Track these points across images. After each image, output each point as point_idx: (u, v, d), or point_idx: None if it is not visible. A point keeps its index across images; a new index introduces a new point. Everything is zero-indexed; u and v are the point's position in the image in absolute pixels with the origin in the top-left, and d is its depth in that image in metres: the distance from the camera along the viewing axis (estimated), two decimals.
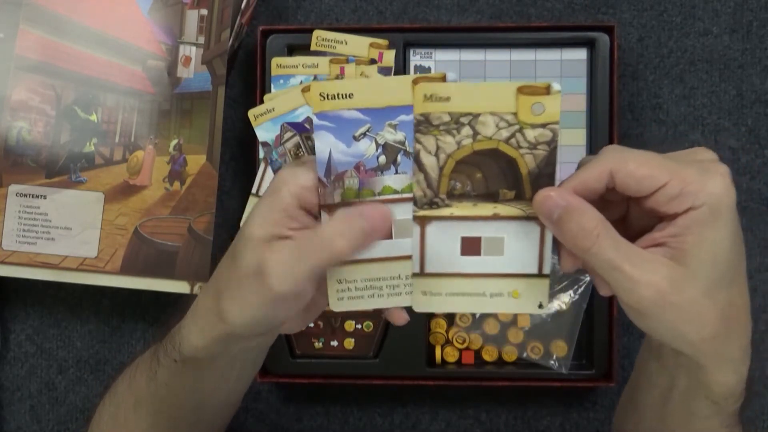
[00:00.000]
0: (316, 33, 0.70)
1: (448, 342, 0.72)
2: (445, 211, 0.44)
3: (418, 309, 0.46)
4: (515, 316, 0.70)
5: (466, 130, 0.43)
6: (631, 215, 0.45)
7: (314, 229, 0.43)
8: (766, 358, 0.73)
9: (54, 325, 0.76)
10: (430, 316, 0.71)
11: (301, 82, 0.69)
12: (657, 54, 0.73)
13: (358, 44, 0.70)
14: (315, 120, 0.43)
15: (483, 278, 0.45)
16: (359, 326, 0.70)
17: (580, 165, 0.44)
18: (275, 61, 0.70)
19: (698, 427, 0.48)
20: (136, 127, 0.70)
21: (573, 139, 0.70)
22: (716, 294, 0.41)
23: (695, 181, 0.40)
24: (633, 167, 0.41)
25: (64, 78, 0.69)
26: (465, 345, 0.71)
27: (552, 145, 0.42)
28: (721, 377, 0.44)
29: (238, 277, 0.44)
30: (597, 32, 0.69)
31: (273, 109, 0.69)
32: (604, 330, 0.70)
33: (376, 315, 0.70)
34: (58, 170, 0.69)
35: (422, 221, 0.45)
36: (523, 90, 0.42)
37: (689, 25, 0.73)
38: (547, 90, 0.42)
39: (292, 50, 0.71)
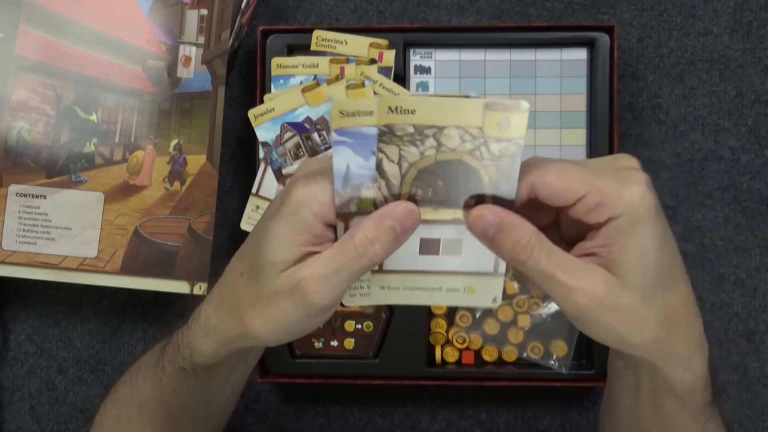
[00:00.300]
0: (316, 33, 0.70)
1: (448, 342, 0.72)
2: None
3: (374, 302, 0.46)
4: (515, 316, 0.70)
5: (430, 142, 0.43)
6: (563, 220, 0.46)
7: (345, 239, 0.43)
8: (766, 358, 0.73)
9: (54, 325, 0.76)
10: (430, 316, 0.71)
11: (301, 82, 0.69)
12: (657, 54, 0.73)
13: (358, 44, 0.70)
14: (334, 136, 0.43)
15: (440, 275, 0.46)
16: (359, 326, 0.70)
17: None
18: (275, 61, 0.70)
19: (669, 423, 0.48)
20: (136, 127, 0.70)
21: (573, 139, 0.70)
22: (652, 298, 0.42)
23: (611, 192, 0.41)
24: (552, 180, 0.42)
25: (64, 78, 0.69)
26: (465, 345, 0.71)
27: (514, 159, 0.43)
28: (675, 374, 0.45)
29: (269, 296, 0.44)
30: (597, 32, 0.69)
31: (273, 109, 0.69)
32: None
33: (377, 315, 0.70)
34: (58, 170, 0.69)
35: None
36: (491, 106, 0.42)
37: (689, 25, 0.73)
38: (515, 108, 0.42)
39: (292, 50, 0.71)
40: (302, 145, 0.69)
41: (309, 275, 0.43)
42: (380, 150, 0.44)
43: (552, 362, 0.70)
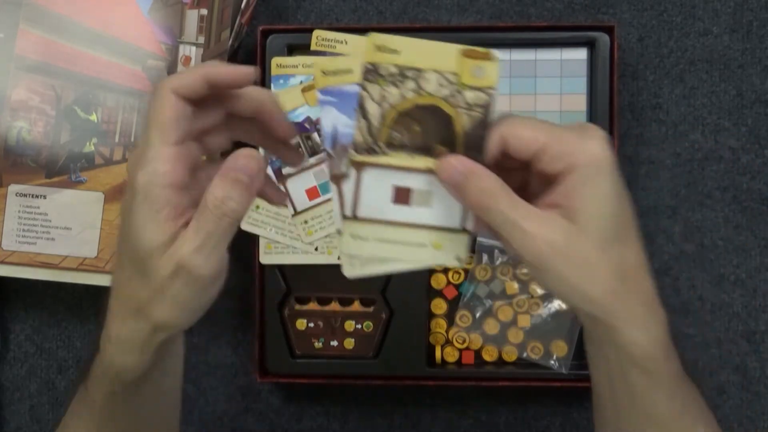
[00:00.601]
0: (316, 33, 0.69)
1: (448, 342, 0.72)
2: (382, 159, 0.46)
3: (344, 251, 0.47)
4: (515, 316, 0.70)
5: (410, 84, 0.45)
6: (531, 184, 0.47)
7: (202, 206, 0.44)
8: (766, 358, 0.73)
9: (54, 325, 0.76)
10: (431, 316, 0.71)
11: (301, 82, 0.69)
12: (657, 54, 0.73)
13: (358, 44, 0.69)
14: (319, 96, 0.46)
15: (409, 228, 0.47)
16: (359, 326, 0.70)
17: None
18: (275, 61, 0.70)
19: (642, 404, 0.48)
20: (136, 127, 0.70)
21: None
22: (608, 248, 0.43)
23: (573, 142, 0.43)
24: (519, 130, 0.44)
25: (64, 78, 0.69)
26: (465, 345, 0.71)
27: (487, 108, 0.45)
28: (631, 336, 0.45)
29: (160, 285, 0.44)
30: (597, 32, 0.69)
31: None
32: None
33: (377, 315, 0.70)
34: (58, 170, 0.69)
35: (359, 166, 0.46)
36: (466, 53, 0.45)
37: (689, 25, 0.73)
38: (487, 56, 0.45)
39: (292, 50, 0.71)
40: (302, 145, 0.69)
41: (185, 252, 0.43)
42: (364, 88, 0.45)
43: (552, 362, 0.70)
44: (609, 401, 0.50)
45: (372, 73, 0.45)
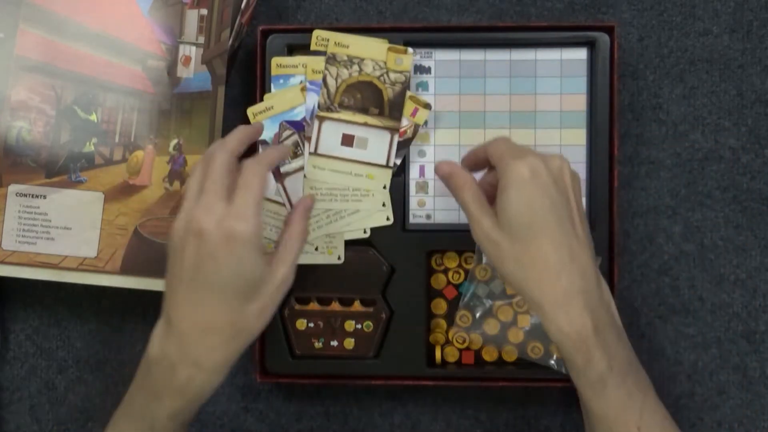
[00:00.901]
0: (316, 33, 0.70)
1: (448, 342, 0.72)
2: (335, 115, 0.69)
3: (309, 176, 0.69)
4: (515, 316, 0.70)
5: (356, 67, 0.69)
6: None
7: (285, 237, 0.62)
8: (766, 358, 0.73)
9: (54, 325, 0.76)
10: (431, 316, 0.71)
11: (300, 82, 0.69)
12: (657, 54, 0.73)
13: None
14: (307, 85, 0.70)
15: (352, 162, 0.69)
16: (359, 326, 0.70)
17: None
18: (275, 60, 0.70)
19: (582, 400, 0.59)
20: (136, 127, 0.70)
21: (573, 139, 0.70)
22: (516, 241, 0.56)
23: (506, 163, 0.57)
24: (491, 148, 0.59)
25: (64, 78, 0.69)
26: (465, 345, 0.71)
27: (404, 84, 0.69)
28: (555, 319, 0.56)
29: (270, 299, 0.59)
30: (597, 32, 0.69)
31: (272, 107, 0.69)
32: None
33: (377, 315, 0.70)
34: (58, 170, 0.69)
35: (320, 119, 0.69)
36: (391, 49, 0.69)
37: (689, 25, 0.73)
38: (405, 51, 0.69)
39: (292, 50, 0.71)
40: (301, 144, 0.69)
41: (286, 272, 0.60)
42: (326, 69, 0.69)
43: (552, 362, 0.70)
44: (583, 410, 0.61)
45: (332, 60, 0.69)
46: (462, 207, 0.59)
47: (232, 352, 0.58)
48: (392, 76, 0.68)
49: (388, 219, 0.70)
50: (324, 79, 0.68)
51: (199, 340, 0.57)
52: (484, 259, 0.69)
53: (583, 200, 0.70)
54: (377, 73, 0.68)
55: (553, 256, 0.56)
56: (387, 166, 0.69)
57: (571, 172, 0.58)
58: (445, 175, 0.61)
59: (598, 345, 0.56)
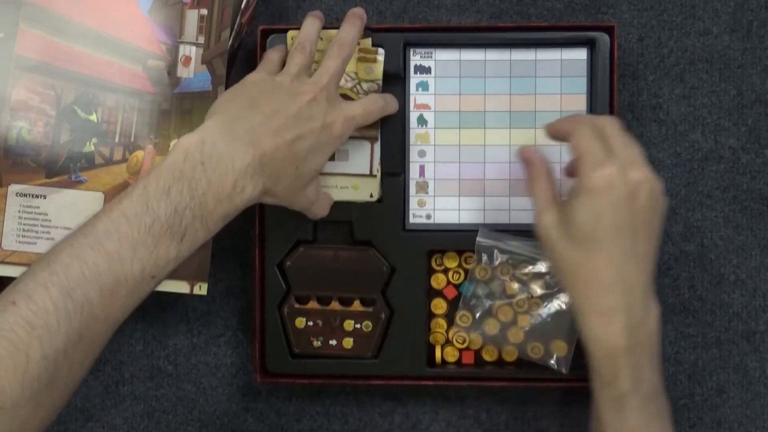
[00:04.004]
0: (291, 34, 0.69)
1: (448, 342, 0.72)
2: None
3: None
4: (515, 316, 0.70)
5: None
6: None
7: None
8: (766, 358, 0.73)
9: None
10: (431, 316, 0.71)
11: None
12: (657, 54, 0.73)
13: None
14: None
15: (336, 176, 0.69)
16: (358, 326, 0.70)
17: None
18: None
19: (596, 413, 0.59)
20: (136, 127, 0.70)
21: None
22: (579, 248, 0.57)
23: (590, 167, 0.57)
24: (575, 141, 0.59)
25: (64, 78, 0.69)
26: (465, 345, 0.71)
27: (377, 93, 0.68)
28: (592, 329, 0.57)
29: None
30: (597, 32, 0.69)
31: None
32: None
33: (376, 315, 0.70)
34: (58, 170, 0.69)
35: None
36: (360, 58, 0.68)
37: (689, 24, 0.73)
38: (374, 59, 0.68)
39: None
40: None
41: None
42: None
43: (552, 362, 0.70)
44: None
45: None
46: (530, 196, 0.62)
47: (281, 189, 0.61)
48: (365, 85, 0.68)
49: (371, 196, 0.70)
50: None
51: (269, 162, 0.59)
52: (484, 259, 0.69)
53: None
54: (350, 85, 0.68)
55: (605, 273, 0.56)
56: (371, 174, 0.69)
57: (650, 191, 0.57)
58: (524, 160, 0.63)
59: (628, 365, 0.56)
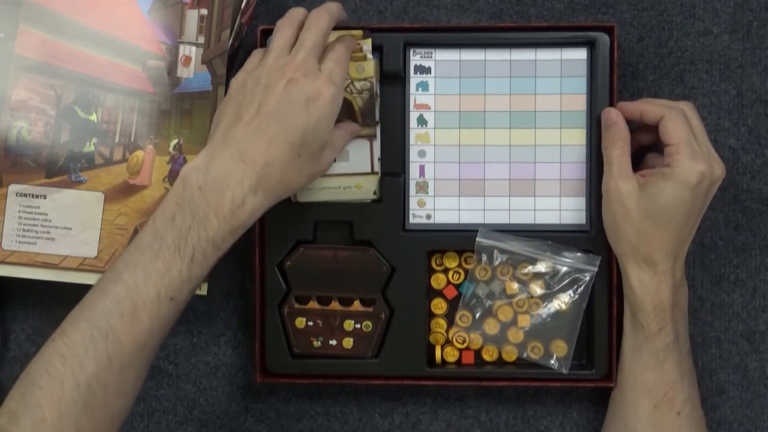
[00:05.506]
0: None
1: (448, 342, 0.72)
2: None
3: (301, 200, 0.70)
4: (515, 316, 0.70)
5: None
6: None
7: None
8: (766, 358, 0.73)
9: (54, 325, 0.75)
10: (431, 316, 0.71)
11: None
12: (657, 54, 0.73)
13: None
14: None
15: (339, 176, 0.69)
16: (358, 326, 0.70)
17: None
18: None
19: (640, 366, 0.67)
20: (136, 127, 0.70)
21: (573, 139, 0.70)
22: (651, 221, 0.64)
23: (686, 157, 0.63)
24: (670, 126, 0.64)
25: (64, 78, 0.69)
26: (465, 345, 0.71)
27: (371, 90, 0.68)
28: (649, 282, 0.65)
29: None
30: (597, 32, 0.69)
31: None
32: (604, 330, 0.70)
33: (376, 315, 0.70)
34: (58, 170, 0.69)
35: None
36: (351, 57, 0.66)
37: (689, 25, 0.73)
38: (365, 57, 0.67)
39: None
40: None
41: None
42: None
43: (552, 362, 0.70)
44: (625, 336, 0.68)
45: None
46: (605, 159, 0.66)
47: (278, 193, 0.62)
48: (357, 85, 0.68)
49: (375, 194, 0.71)
50: None
51: (261, 170, 0.59)
52: (484, 259, 0.69)
53: (583, 200, 0.70)
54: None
55: (668, 243, 0.64)
56: (372, 172, 0.70)
57: (718, 184, 0.65)
58: (606, 122, 0.66)
59: (672, 318, 0.65)
